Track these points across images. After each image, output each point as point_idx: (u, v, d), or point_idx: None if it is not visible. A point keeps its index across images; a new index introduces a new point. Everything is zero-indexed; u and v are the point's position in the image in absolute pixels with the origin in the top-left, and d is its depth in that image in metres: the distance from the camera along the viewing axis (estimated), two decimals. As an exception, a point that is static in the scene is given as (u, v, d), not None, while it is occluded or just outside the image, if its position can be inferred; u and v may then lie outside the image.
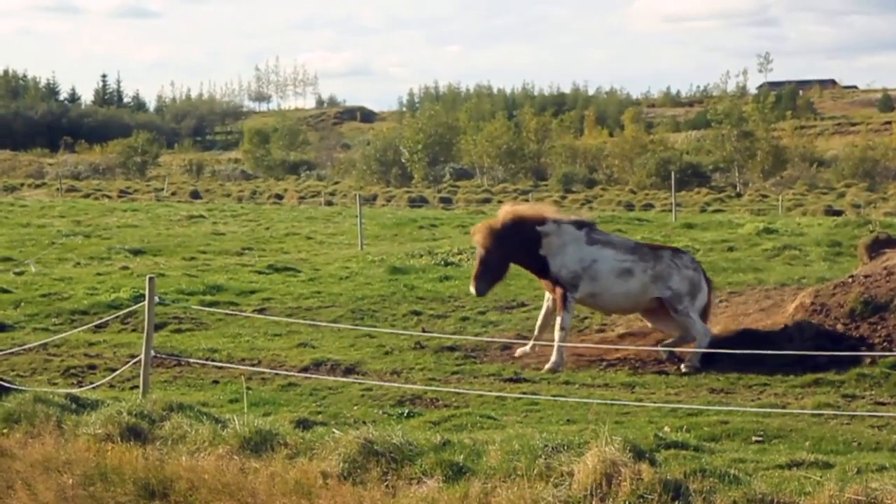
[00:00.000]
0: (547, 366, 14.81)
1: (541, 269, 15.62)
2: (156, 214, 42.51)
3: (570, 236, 15.49)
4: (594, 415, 11.52)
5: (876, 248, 16.89)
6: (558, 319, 15.28)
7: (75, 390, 12.30)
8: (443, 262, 24.39)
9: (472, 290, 15.72)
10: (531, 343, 15.43)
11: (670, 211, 41.62)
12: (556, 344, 14.97)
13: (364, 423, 11.03)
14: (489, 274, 15.58)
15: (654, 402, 12.29)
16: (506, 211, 15.96)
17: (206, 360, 14.87)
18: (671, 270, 15.38)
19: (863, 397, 12.77)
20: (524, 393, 12.97)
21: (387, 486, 8.78)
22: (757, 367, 13.99)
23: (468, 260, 25.06)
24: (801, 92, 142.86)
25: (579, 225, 15.75)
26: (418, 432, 9.90)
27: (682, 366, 14.61)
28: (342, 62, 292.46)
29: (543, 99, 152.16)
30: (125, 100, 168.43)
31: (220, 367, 14.59)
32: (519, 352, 15.36)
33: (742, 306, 17.45)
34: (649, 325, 16.04)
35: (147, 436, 10.16)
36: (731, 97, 77.81)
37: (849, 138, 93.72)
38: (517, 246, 15.50)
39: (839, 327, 14.85)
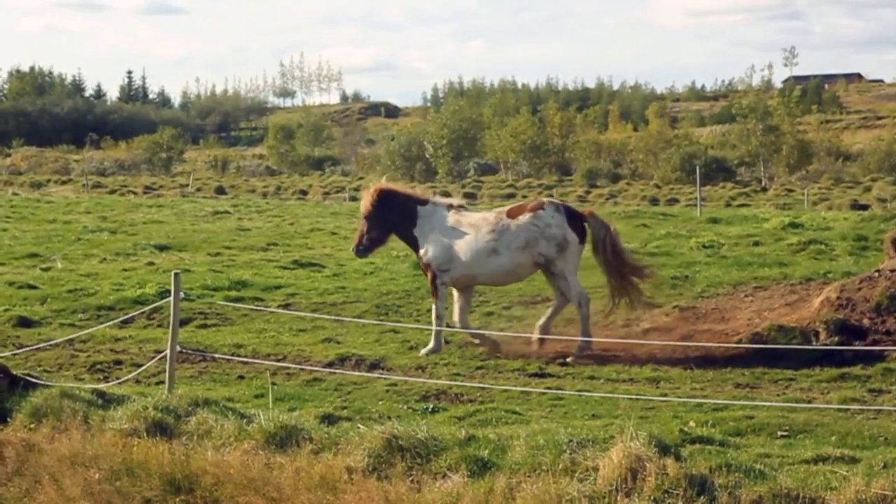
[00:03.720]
0: (423, 350, 15.28)
1: (414, 249, 16.17)
2: (181, 210, 42.64)
3: (439, 220, 15.85)
4: (624, 410, 11.50)
5: (902, 242, 16.80)
6: (433, 307, 15.81)
7: (101, 386, 12.35)
8: (467, 258, 24.35)
9: (353, 251, 16.76)
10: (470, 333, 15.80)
11: (695, 205, 41.52)
12: (433, 329, 15.48)
13: (389, 418, 11.05)
14: (370, 237, 16.32)
15: (679, 397, 12.27)
16: (392, 184, 16.85)
17: (232, 355, 14.92)
18: (535, 236, 15.45)
19: (889, 392, 12.71)
20: (549, 388, 12.98)
21: (412, 480, 8.79)
22: (782, 362, 13.95)
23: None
24: (826, 86, 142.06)
25: (448, 207, 16.04)
26: (443, 427, 9.90)
27: (570, 358, 14.89)
28: (367, 57, 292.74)
29: (568, 94, 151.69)
30: (150, 96, 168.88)
31: (246, 363, 14.62)
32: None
33: (767, 301, 17.39)
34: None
35: (173, 431, 10.19)
36: (757, 91, 77.19)
37: (875, 132, 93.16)
38: (396, 217, 16.06)
39: (865, 322, 14.80)
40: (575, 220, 15.69)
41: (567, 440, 8.64)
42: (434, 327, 15.54)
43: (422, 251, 15.84)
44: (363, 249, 16.53)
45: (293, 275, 22.75)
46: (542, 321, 15.64)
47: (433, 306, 15.84)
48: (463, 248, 15.57)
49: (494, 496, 8.33)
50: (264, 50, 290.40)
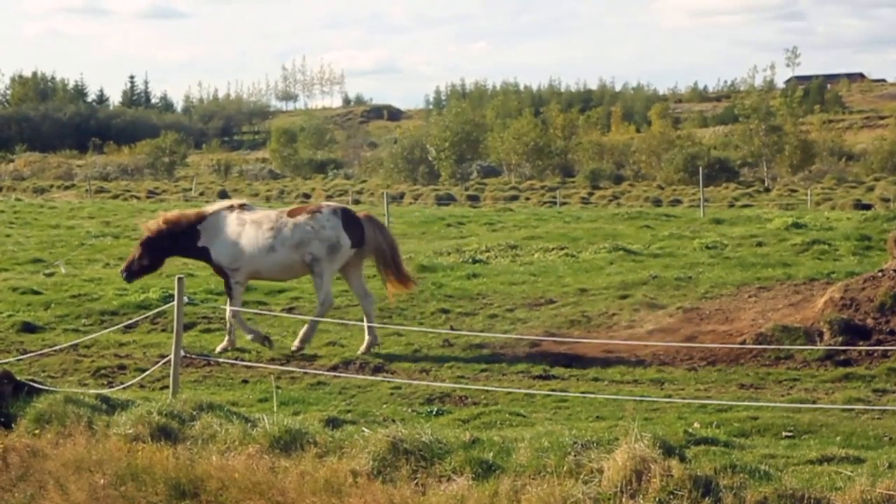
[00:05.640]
0: (217, 348, 15.78)
1: (206, 259, 16.48)
2: (184, 215, 42.59)
3: (223, 223, 16.27)
4: (631, 412, 11.47)
5: (906, 241, 16.78)
6: (227, 308, 16.15)
7: (105, 391, 12.36)
8: (470, 260, 24.36)
9: (121, 274, 16.98)
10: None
11: (698, 206, 41.47)
12: (227, 328, 16.03)
13: (393, 421, 11.06)
14: (142, 265, 16.63)
15: (684, 398, 12.27)
16: (167, 215, 16.89)
17: (236, 359, 14.93)
18: (309, 236, 15.94)
19: (894, 392, 12.69)
20: (553, 390, 12.97)
21: (416, 484, 8.79)
22: (787, 362, 13.94)
23: (496, 257, 25.06)
24: (829, 86, 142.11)
25: (230, 209, 16.47)
26: (447, 430, 9.90)
27: (294, 344, 15.66)
28: (369, 60, 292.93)
29: (570, 95, 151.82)
30: (153, 100, 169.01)
31: (250, 367, 14.64)
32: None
33: (771, 301, 17.38)
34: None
35: (177, 435, 10.19)
36: (759, 92, 77.17)
37: (877, 132, 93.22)
38: (177, 241, 16.41)
39: (869, 322, 14.79)
40: (351, 223, 16.17)
41: (571, 442, 8.64)
42: (227, 327, 16.04)
43: (213, 254, 16.22)
44: (132, 274, 16.79)
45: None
46: (367, 335, 15.84)
47: (227, 308, 16.19)
48: (246, 243, 16.04)
49: (499, 499, 8.33)
50: (266, 54, 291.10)
